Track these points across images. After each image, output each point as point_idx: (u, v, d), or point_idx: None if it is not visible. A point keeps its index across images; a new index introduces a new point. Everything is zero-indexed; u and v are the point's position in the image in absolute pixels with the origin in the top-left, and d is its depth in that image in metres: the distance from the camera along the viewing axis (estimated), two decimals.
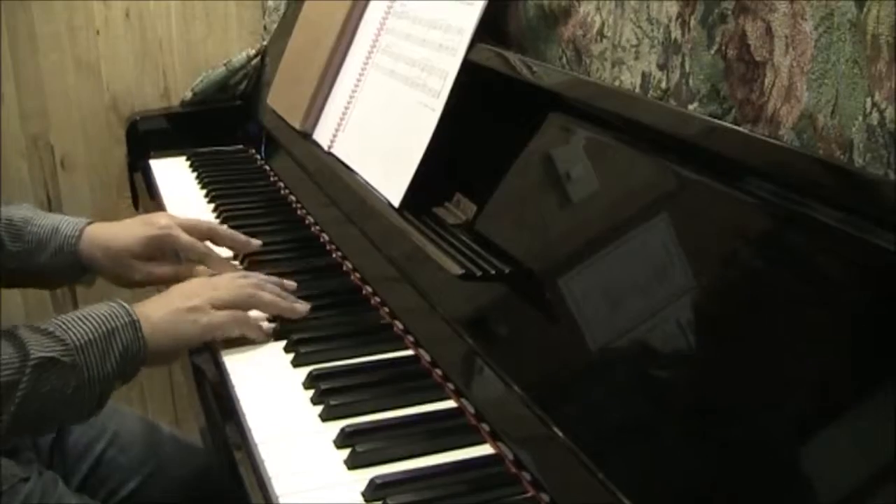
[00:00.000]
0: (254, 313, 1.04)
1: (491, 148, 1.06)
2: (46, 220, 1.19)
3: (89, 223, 1.20)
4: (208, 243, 1.20)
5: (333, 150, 1.35)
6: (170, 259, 1.19)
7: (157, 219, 1.20)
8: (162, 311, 0.98)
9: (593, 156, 0.91)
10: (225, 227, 1.26)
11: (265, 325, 1.03)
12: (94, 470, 1.18)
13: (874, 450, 0.56)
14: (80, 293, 1.96)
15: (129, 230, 1.19)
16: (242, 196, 1.51)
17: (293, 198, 1.48)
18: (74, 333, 0.90)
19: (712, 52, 0.88)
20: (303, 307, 1.06)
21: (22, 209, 1.21)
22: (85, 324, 0.92)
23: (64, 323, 0.91)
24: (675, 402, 0.71)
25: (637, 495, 0.68)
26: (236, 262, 1.23)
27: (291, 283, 1.10)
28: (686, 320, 0.72)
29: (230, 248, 1.24)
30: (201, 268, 1.17)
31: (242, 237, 1.24)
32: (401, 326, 1.03)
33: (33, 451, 1.12)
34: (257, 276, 1.09)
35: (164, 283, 1.14)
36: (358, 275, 1.17)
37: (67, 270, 1.19)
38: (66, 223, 1.19)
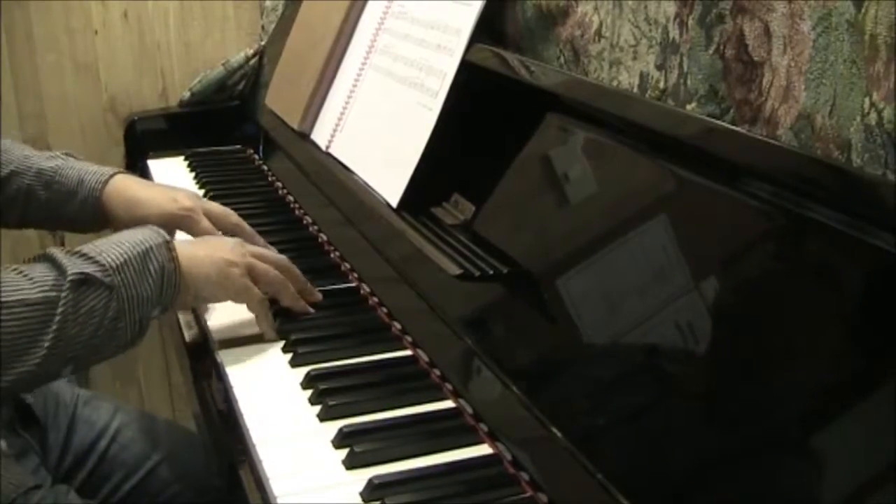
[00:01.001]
0: None
1: (489, 148, 1.06)
2: (73, 171, 1.19)
3: (114, 174, 1.19)
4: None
5: (331, 151, 1.35)
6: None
7: (183, 199, 1.18)
8: (202, 250, 0.99)
9: (591, 156, 0.91)
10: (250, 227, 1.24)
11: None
12: (98, 467, 1.19)
13: (874, 450, 0.56)
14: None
15: (154, 200, 1.18)
16: (240, 196, 1.50)
17: (291, 198, 1.48)
18: (108, 255, 0.90)
19: (710, 52, 0.88)
20: (310, 308, 1.07)
21: (53, 158, 1.21)
22: (119, 246, 0.92)
23: (96, 247, 0.91)
24: (674, 402, 0.71)
25: (635, 496, 0.68)
26: None
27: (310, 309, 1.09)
28: (684, 321, 0.72)
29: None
30: None
31: (262, 241, 1.23)
32: (399, 327, 1.03)
33: (41, 455, 1.12)
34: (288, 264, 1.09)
35: None
36: (356, 275, 1.17)
37: (94, 221, 1.20)
38: (90, 174, 1.19)
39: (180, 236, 1.21)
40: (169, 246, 0.94)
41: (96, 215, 1.18)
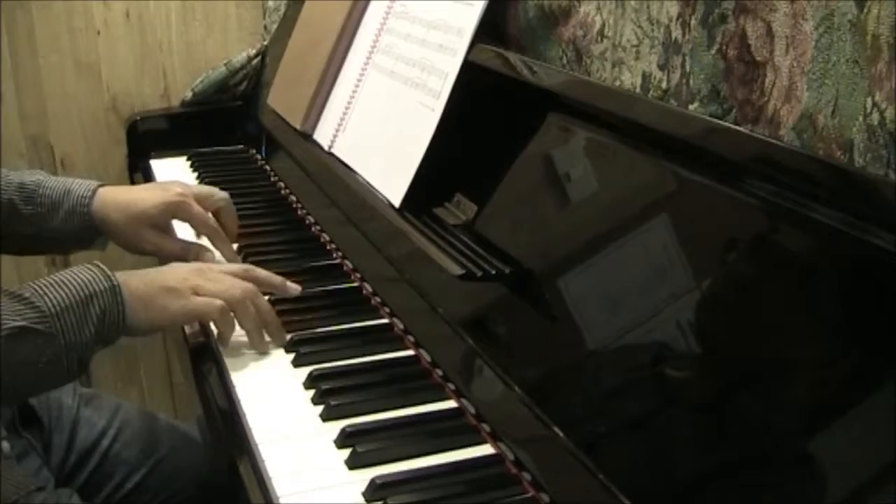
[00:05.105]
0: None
1: (491, 148, 1.06)
2: (58, 183, 1.19)
3: (100, 185, 1.20)
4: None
5: (334, 151, 1.35)
6: (172, 233, 1.21)
7: (174, 187, 1.21)
8: (143, 284, 0.96)
9: (593, 156, 0.91)
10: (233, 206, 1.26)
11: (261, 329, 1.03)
12: (100, 466, 1.19)
13: (874, 450, 0.56)
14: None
15: (147, 194, 1.19)
16: (243, 196, 1.50)
17: (293, 198, 1.48)
18: (50, 299, 0.88)
19: (713, 52, 0.88)
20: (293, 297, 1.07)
21: (34, 174, 1.21)
22: (62, 289, 0.89)
23: (40, 288, 0.89)
24: (675, 402, 0.71)
25: (637, 496, 0.68)
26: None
27: (295, 287, 1.08)
28: (686, 321, 0.72)
29: (227, 226, 1.25)
30: (208, 254, 1.18)
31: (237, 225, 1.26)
32: (401, 327, 1.03)
33: (42, 456, 1.12)
34: (252, 286, 1.03)
35: (171, 258, 1.14)
36: (358, 275, 1.17)
37: (81, 233, 1.19)
38: (77, 185, 1.19)
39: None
40: (115, 290, 0.92)
41: (83, 226, 1.18)
